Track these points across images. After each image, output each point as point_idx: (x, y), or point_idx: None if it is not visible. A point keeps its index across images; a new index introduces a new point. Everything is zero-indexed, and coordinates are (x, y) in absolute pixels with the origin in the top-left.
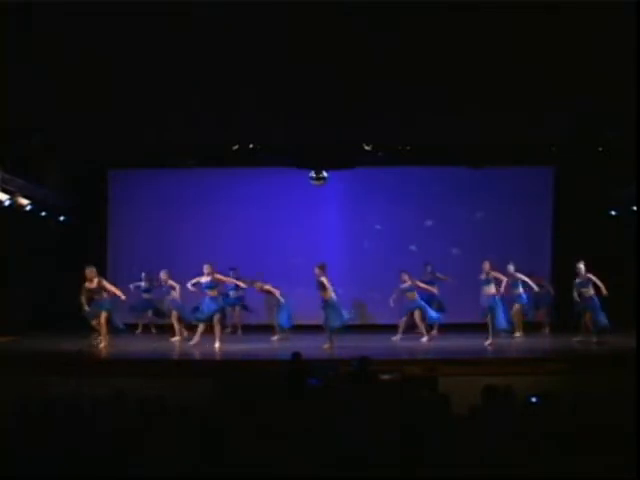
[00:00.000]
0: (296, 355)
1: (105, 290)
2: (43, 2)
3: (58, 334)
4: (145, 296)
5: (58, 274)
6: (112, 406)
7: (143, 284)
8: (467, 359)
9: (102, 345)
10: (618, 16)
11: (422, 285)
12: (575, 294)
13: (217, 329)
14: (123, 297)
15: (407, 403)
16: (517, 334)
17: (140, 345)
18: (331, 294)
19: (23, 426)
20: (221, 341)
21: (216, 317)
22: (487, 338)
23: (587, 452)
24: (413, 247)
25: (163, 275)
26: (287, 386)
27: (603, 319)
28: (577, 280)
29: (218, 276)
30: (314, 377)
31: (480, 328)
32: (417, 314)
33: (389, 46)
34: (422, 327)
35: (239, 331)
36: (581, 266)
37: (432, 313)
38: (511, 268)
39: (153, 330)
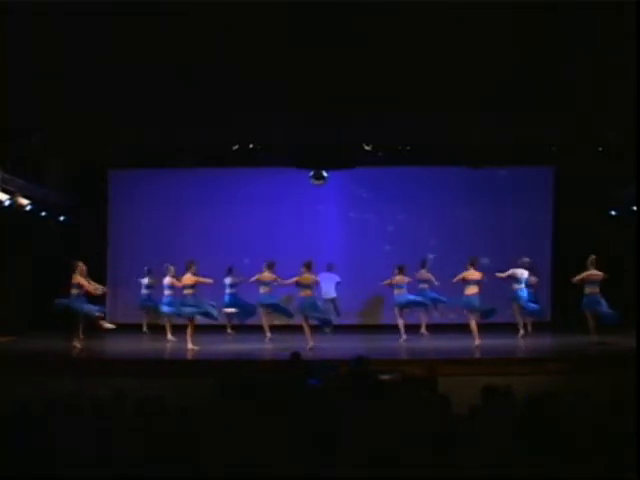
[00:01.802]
0: (296, 355)
1: (79, 287)
2: (43, 2)
3: (58, 334)
4: (145, 292)
5: (58, 274)
6: (112, 406)
7: (147, 280)
8: (467, 359)
9: (75, 345)
10: (618, 16)
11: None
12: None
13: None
14: (99, 291)
15: (407, 403)
16: (521, 331)
17: (140, 345)
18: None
19: (23, 426)
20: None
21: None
22: (474, 338)
23: (587, 452)
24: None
25: (170, 270)
26: (287, 386)
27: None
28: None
29: (201, 279)
30: (314, 377)
31: (481, 328)
32: (397, 311)
33: (389, 46)
34: (402, 326)
35: (229, 330)
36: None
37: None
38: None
39: (145, 329)
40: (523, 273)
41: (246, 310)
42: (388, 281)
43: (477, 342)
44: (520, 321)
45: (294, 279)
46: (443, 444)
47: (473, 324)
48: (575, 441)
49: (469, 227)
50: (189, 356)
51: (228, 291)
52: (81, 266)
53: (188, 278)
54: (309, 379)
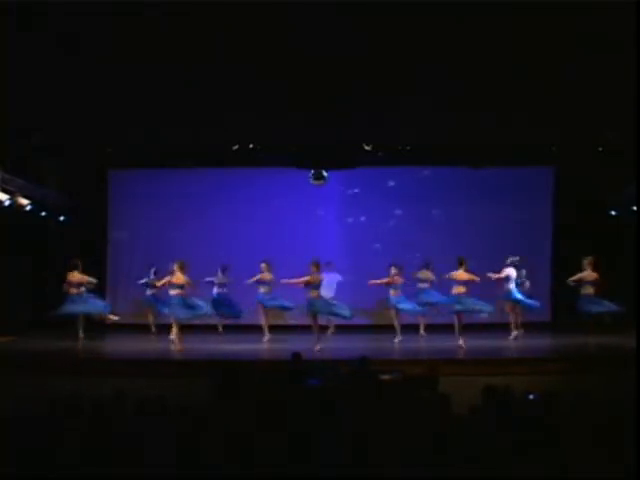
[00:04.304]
0: (296, 355)
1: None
2: (43, 2)
3: (58, 334)
4: (150, 292)
5: (58, 274)
6: (112, 406)
7: (152, 278)
8: (467, 359)
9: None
10: (618, 16)
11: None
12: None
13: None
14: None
15: (407, 403)
16: (514, 333)
17: (140, 345)
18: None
19: (23, 426)
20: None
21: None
22: (459, 339)
23: (587, 452)
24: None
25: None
26: (287, 386)
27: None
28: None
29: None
30: (314, 377)
31: (480, 328)
32: (393, 312)
33: (390, 46)
34: (397, 327)
35: (220, 329)
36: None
37: (408, 306)
38: (509, 262)
39: (153, 329)
40: (513, 272)
41: (233, 311)
42: (384, 280)
43: (460, 342)
44: (513, 321)
45: (305, 279)
46: (443, 444)
47: (457, 325)
48: (575, 441)
49: (469, 227)
50: (189, 356)
51: (216, 290)
52: (79, 265)
53: (177, 277)
54: (309, 379)
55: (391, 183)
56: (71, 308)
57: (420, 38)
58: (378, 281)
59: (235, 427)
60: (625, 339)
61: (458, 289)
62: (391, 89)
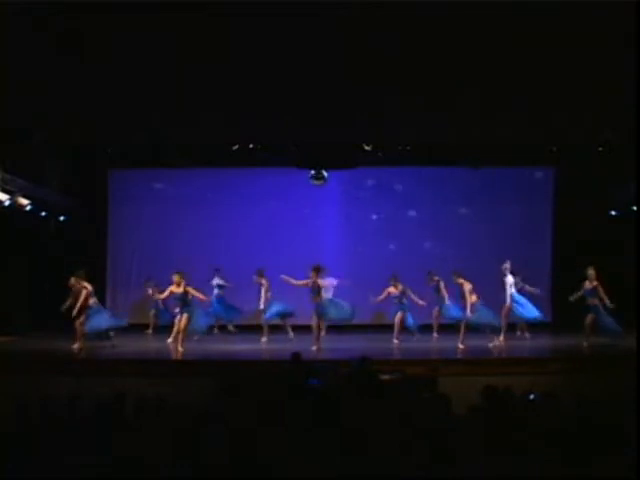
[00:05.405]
0: (296, 355)
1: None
2: (43, 2)
3: (58, 334)
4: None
5: (58, 274)
6: (112, 406)
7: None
8: (467, 359)
9: (76, 347)
10: (618, 16)
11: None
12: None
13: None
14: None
15: (407, 403)
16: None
17: (140, 345)
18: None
19: (22, 426)
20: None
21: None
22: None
23: (587, 452)
24: None
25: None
26: (287, 386)
27: (611, 324)
28: (586, 287)
29: (189, 289)
30: (314, 377)
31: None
32: (398, 316)
33: (389, 46)
34: (397, 329)
35: (215, 330)
36: (591, 272)
37: (409, 319)
38: (507, 267)
39: (149, 331)
40: (511, 278)
41: (231, 313)
42: (382, 297)
43: (459, 344)
44: (503, 324)
45: (303, 282)
46: (443, 444)
47: (462, 328)
48: (575, 441)
49: (469, 227)
50: (189, 356)
51: (216, 292)
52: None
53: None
54: (310, 379)
55: (391, 183)
56: (97, 323)
57: (420, 38)
58: (379, 299)
59: (235, 427)
60: (625, 339)
61: (471, 298)
62: (391, 89)
